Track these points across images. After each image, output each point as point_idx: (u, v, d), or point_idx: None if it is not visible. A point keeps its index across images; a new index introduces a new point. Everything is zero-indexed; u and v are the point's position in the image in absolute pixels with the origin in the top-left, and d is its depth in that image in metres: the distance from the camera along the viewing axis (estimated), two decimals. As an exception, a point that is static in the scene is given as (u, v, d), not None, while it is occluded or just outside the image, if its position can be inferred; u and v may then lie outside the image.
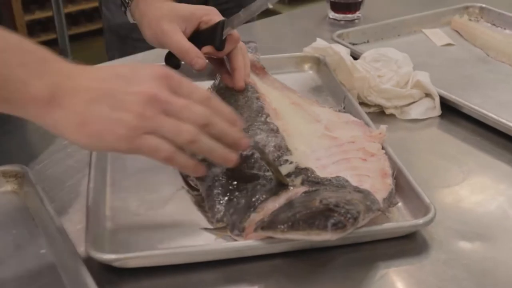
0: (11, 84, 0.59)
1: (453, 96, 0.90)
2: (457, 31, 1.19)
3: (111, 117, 0.59)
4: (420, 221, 0.67)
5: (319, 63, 1.01)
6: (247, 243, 0.64)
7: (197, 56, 0.87)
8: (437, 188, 0.77)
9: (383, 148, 0.76)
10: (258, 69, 0.96)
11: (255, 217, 0.66)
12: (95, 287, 0.59)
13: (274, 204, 0.67)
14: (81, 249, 0.64)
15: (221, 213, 0.68)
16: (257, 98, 0.86)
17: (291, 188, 0.68)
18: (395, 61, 0.93)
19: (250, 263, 0.65)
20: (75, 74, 0.62)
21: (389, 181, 0.70)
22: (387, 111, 0.91)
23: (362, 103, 0.91)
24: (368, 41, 1.15)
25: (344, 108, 0.88)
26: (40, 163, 0.81)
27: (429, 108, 0.91)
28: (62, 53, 2.35)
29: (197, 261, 0.64)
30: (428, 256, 0.66)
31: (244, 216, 0.66)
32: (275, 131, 0.78)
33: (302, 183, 0.69)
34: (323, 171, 0.72)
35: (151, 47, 1.15)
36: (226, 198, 0.70)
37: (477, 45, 1.13)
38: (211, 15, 0.90)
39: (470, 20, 1.21)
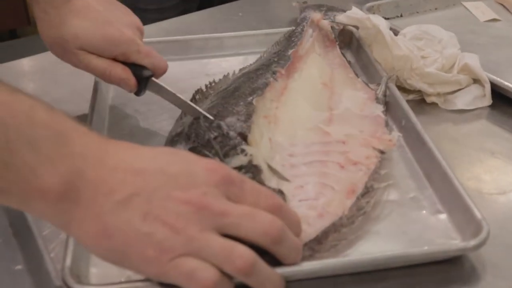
0: (13, 172, 0.44)
1: (505, 83, 0.77)
2: (502, 4, 1.05)
3: (140, 230, 0.45)
4: (471, 243, 0.54)
5: (351, 37, 0.88)
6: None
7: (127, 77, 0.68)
8: (490, 195, 0.64)
9: (382, 152, 0.64)
10: (330, 41, 0.83)
11: None
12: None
13: None
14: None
15: None
16: (273, 73, 0.74)
17: None
18: (439, 41, 0.80)
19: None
20: (103, 160, 0.47)
21: (350, 203, 0.58)
22: (428, 99, 0.78)
23: (400, 88, 0.77)
24: (401, 15, 1.02)
25: (381, 96, 0.74)
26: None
27: (477, 97, 0.77)
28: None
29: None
30: (484, 283, 0.54)
31: None
32: (249, 115, 0.65)
33: None
34: (288, 171, 0.61)
35: (158, 19, 1.04)
36: None
37: (527, 21, 1.00)
38: (128, 53, 0.68)
39: (517, -8, 1.07)
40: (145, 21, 1.06)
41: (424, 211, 0.61)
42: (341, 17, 0.85)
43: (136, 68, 0.68)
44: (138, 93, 0.69)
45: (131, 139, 0.70)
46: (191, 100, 0.72)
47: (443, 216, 0.60)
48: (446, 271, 0.55)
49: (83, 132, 0.48)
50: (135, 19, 0.72)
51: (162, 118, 0.72)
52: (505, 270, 0.55)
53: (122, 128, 0.74)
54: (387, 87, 0.75)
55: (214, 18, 1.02)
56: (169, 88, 0.68)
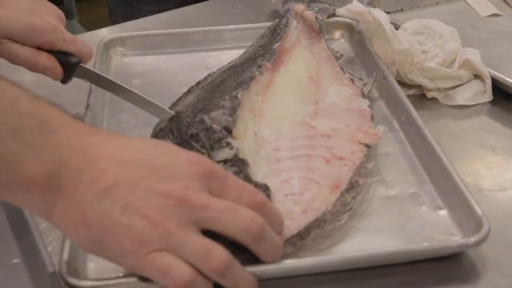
0: None
1: (506, 78, 0.76)
2: None
3: (119, 221, 0.45)
4: (471, 239, 0.54)
5: (352, 30, 0.87)
6: (261, 267, 0.51)
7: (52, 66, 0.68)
8: (490, 191, 0.64)
9: (368, 146, 0.63)
10: (314, 32, 0.82)
11: None
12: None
13: None
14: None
15: None
16: (259, 67, 0.73)
17: None
18: (440, 35, 0.79)
19: (265, 285, 0.52)
20: (86, 150, 0.47)
21: (334, 198, 0.57)
22: (429, 94, 0.77)
23: (401, 83, 0.77)
24: (402, 10, 1.00)
25: (369, 92, 0.73)
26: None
27: (478, 92, 0.77)
28: (68, 14, 2.22)
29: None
30: (484, 280, 0.54)
31: None
32: (234, 109, 0.65)
33: None
34: (274, 165, 0.61)
35: (156, 11, 1.03)
36: None
37: (528, 16, 0.99)
38: (54, 42, 0.68)
39: (517, -13, 1.06)
40: (144, 13, 1.06)
41: (424, 207, 0.60)
42: (341, 10, 0.85)
43: (62, 55, 0.69)
44: (64, 80, 0.70)
45: (129, 132, 0.71)
46: (186, 93, 0.71)
47: (443, 212, 0.60)
48: (446, 268, 0.55)
49: (67, 121, 0.48)
50: (57, 9, 0.73)
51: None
52: (505, 267, 0.55)
53: (120, 121, 0.73)
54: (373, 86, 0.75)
55: (213, 11, 1.01)
56: (99, 73, 0.70)
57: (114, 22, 1.28)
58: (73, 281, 0.50)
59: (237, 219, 0.47)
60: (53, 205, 0.46)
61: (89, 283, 0.50)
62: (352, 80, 0.75)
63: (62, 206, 0.46)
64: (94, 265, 0.53)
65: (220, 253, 0.46)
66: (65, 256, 0.51)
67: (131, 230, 0.45)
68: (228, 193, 0.48)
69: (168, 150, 0.50)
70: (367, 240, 0.57)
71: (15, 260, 0.55)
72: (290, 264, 0.52)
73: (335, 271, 0.54)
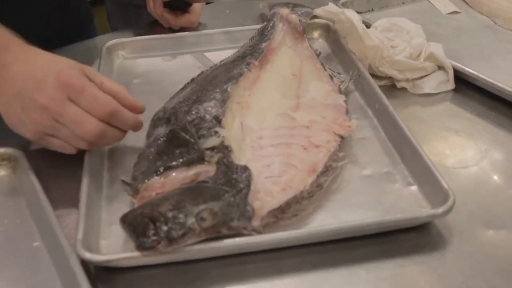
0: None
1: (466, 69, 0.77)
2: (462, -1, 1.06)
3: (20, 117, 0.59)
4: (439, 210, 0.55)
5: (328, 30, 0.88)
6: (250, 240, 0.53)
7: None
8: (454, 168, 0.65)
9: (342, 137, 0.64)
10: (298, 33, 0.83)
11: (155, 182, 0.56)
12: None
13: (180, 174, 0.56)
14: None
15: (136, 171, 0.59)
16: (247, 64, 0.73)
17: (205, 164, 0.57)
18: (407, 32, 0.80)
19: (255, 258, 0.54)
20: (8, 66, 0.61)
21: (311, 180, 0.58)
22: (399, 85, 0.78)
23: (373, 75, 0.77)
24: (372, 9, 1.02)
25: (345, 89, 0.74)
26: (36, 147, 0.67)
27: (442, 82, 0.78)
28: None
29: (197, 258, 0.53)
30: (450, 247, 0.55)
31: (146, 177, 0.56)
32: (224, 101, 0.66)
33: (218, 162, 0.57)
34: (257, 152, 0.61)
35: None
36: (147, 155, 0.60)
37: (484, 12, 1.00)
38: None
39: (474, -14, 1.07)
40: (141, 17, 1.05)
41: (397, 184, 0.62)
42: (319, 10, 0.85)
43: None
44: None
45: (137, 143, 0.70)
46: (182, 88, 0.72)
47: (414, 188, 0.61)
48: (418, 237, 0.56)
49: (8, 44, 0.62)
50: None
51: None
52: (469, 235, 0.56)
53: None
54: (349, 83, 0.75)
55: (204, 16, 1.00)
56: None
57: (112, 26, 1.26)
58: (88, 256, 0.50)
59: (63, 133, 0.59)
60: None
61: (102, 257, 0.51)
62: (332, 76, 0.75)
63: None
64: (106, 242, 0.55)
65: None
66: (80, 235, 0.52)
67: (25, 123, 0.60)
68: (83, 100, 0.58)
69: (52, 65, 0.60)
70: (347, 213, 0.58)
71: (36, 243, 0.55)
72: (279, 236, 0.53)
73: (321, 242, 0.54)
